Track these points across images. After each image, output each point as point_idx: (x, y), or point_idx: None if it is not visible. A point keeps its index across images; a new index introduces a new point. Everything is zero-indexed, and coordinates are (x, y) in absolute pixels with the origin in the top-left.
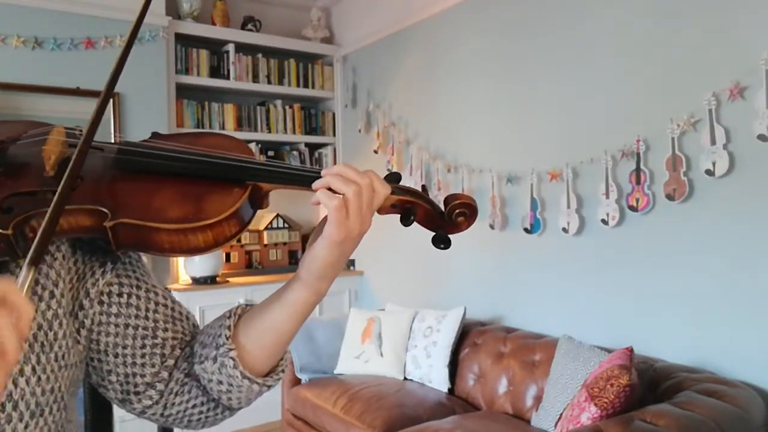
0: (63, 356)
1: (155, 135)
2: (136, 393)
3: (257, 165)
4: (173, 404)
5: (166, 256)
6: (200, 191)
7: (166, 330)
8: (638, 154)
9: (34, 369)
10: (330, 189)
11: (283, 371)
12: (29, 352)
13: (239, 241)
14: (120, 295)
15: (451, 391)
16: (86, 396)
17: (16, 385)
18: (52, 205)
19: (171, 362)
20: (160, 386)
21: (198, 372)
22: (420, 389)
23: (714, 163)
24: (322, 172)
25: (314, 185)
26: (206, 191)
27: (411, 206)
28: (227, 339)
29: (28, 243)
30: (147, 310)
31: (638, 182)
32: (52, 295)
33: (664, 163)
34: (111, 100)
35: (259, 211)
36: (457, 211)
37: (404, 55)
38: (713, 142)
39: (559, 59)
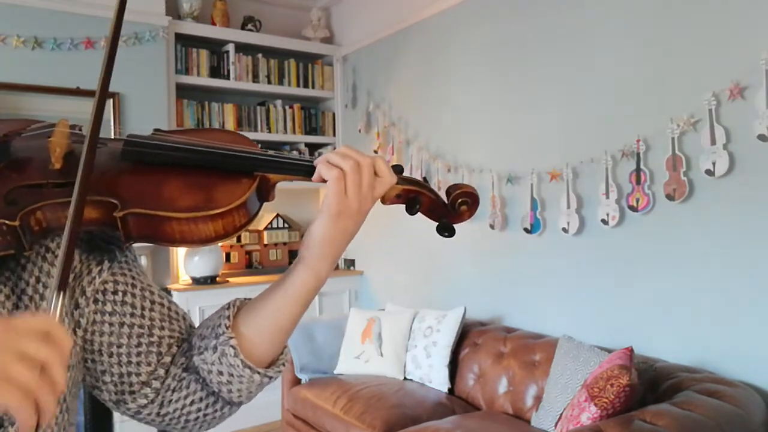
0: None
1: (157, 131)
2: (131, 392)
3: (265, 156)
4: (170, 401)
5: (175, 246)
6: (209, 181)
7: (162, 328)
8: (638, 154)
9: None
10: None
11: (283, 364)
12: None
13: (239, 240)
14: (115, 293)
15: (451, 391)
16: (86, 396)
17: (61, 314)
18: (73, 203)
19: (167, 359)
20: (156, 384)
21: (197, 364)
22: (420, 389)
23: (714, 163)
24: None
25: (315, 161)
26: (215, 181)
27: (415, 196)
28: (227, 328)
29: (35, 235)
30: (143, 308)
31: (638, 182)
32: None
33: (664, 163)
34: (111, 99)
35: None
36: (460, 200)
37: (404, 55)
38: (713, 142)
39: (560, 59)
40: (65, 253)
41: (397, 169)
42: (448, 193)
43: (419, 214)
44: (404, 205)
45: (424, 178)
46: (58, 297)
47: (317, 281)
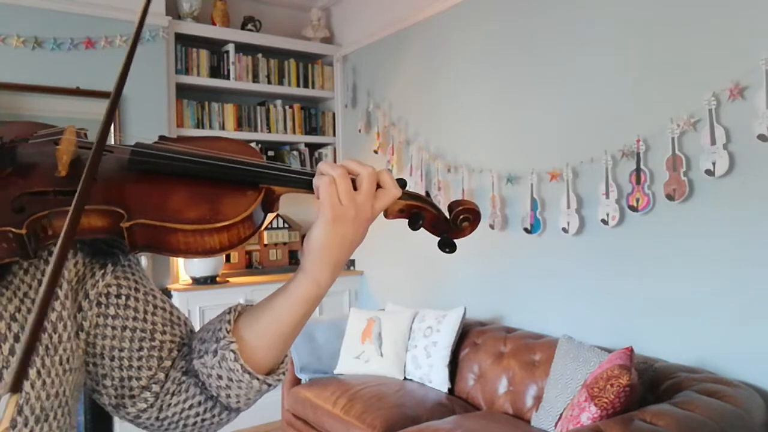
0: (68, 360)
1: (162, 138)
2: (131, 397)
3: (271, 168)
4: (169, 405)
5: (179, 256)
6: (215, 193)
7: (164, 333)
8: (638, 154)
9: (39, 373)
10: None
11: (284, 373)
12: (34, 356)
13: None
14: (118, 296)
15: (451, 391)
16: (86, 397)
17: (13, 424)
18: (70, 213)
19: (168, 363)
20: (155, 388)
21: (197, 367)
22: (420, 389)
23: (714, 163)
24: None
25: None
26: (221, 193)
27: (418, 211)
28: (228, 332)
29: (40, 243)
30: (145, 312)
31: (638, 182)
32: (56, 296)
33: (664, 163)
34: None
35: None
36: (462, 216)
37: (404, 55)
38: (713, 142)
39: (560, 59)
40: (26, 346)
41: (402, 183)
42: (450, 209)
43: (421, 229)
44: (407, 220)
45: (427, 193)
46: (9, 400)
47: (318, 289)
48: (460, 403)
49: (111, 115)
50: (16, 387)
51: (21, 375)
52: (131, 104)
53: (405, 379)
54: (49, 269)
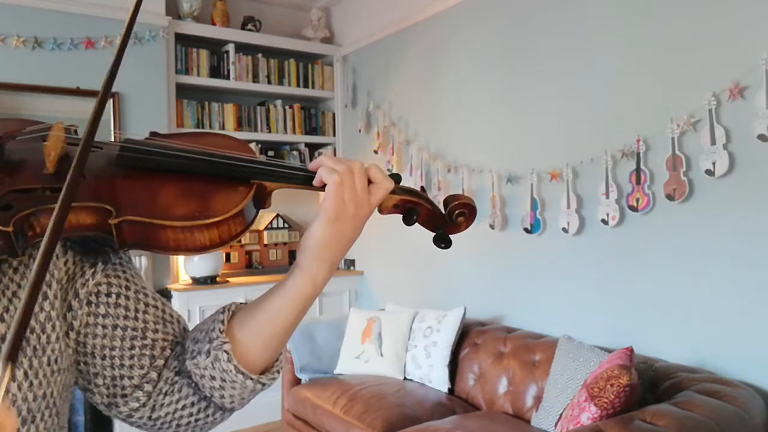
0: (56, 360)
1: (154, 134)
2: (123, 396)
3: (262, 164)
4: (162, 405)
5: (169, 254)
6: (205, 189)
7: (156, 331)
8: (638, 154)
9: (26, 374)
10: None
11: (278, 371)
12: (21, 356)
13: (239, 241)
14: (108, 295)
15: (451, 391)
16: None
17: (7, 390)
18: (56, 210)
19: (161, 362)
20: (147, 387)
21: (190, 368)
22: (420, 389)
23: (714, 163)
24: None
25: (310, 166)
26: (211, 189)
27: (413, 206)
28: (221, 332)
29: (28, 241)
30: (136, 311)
31: (638, 182)
32: (45, 296)
33: (664, 163)
34: (111, 99)
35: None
36: (457, 211)
37: (404, 55)
38: (713, 142)
39: (560, 59)
40: (21, 314)
41: (396, 178)
42: (445, 203)
43: (416, 224)
44: (401, 216)
45: (422, 188)
46: (4, 367)
47: (313, 287)
48: (460, 403)
49: (99, 111)
50: (13, 356)
51: (18, 340)
52: (131, 104)
53: (405, 379)
54: (37, 260)
